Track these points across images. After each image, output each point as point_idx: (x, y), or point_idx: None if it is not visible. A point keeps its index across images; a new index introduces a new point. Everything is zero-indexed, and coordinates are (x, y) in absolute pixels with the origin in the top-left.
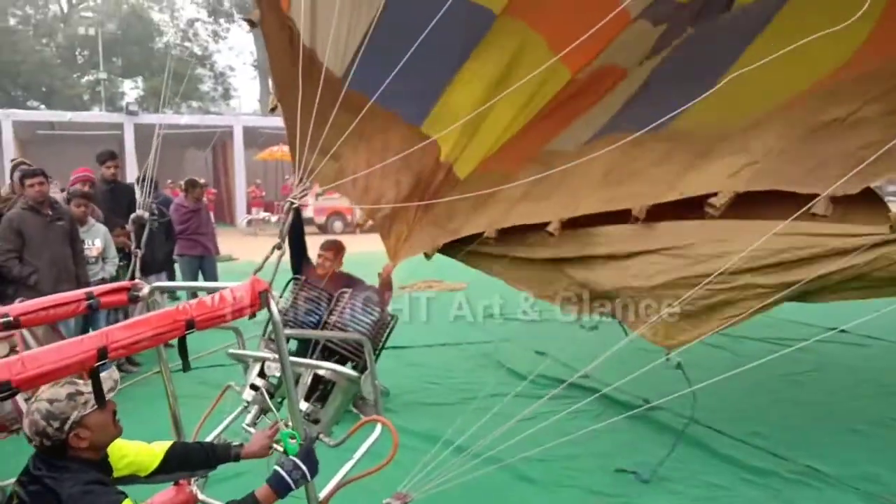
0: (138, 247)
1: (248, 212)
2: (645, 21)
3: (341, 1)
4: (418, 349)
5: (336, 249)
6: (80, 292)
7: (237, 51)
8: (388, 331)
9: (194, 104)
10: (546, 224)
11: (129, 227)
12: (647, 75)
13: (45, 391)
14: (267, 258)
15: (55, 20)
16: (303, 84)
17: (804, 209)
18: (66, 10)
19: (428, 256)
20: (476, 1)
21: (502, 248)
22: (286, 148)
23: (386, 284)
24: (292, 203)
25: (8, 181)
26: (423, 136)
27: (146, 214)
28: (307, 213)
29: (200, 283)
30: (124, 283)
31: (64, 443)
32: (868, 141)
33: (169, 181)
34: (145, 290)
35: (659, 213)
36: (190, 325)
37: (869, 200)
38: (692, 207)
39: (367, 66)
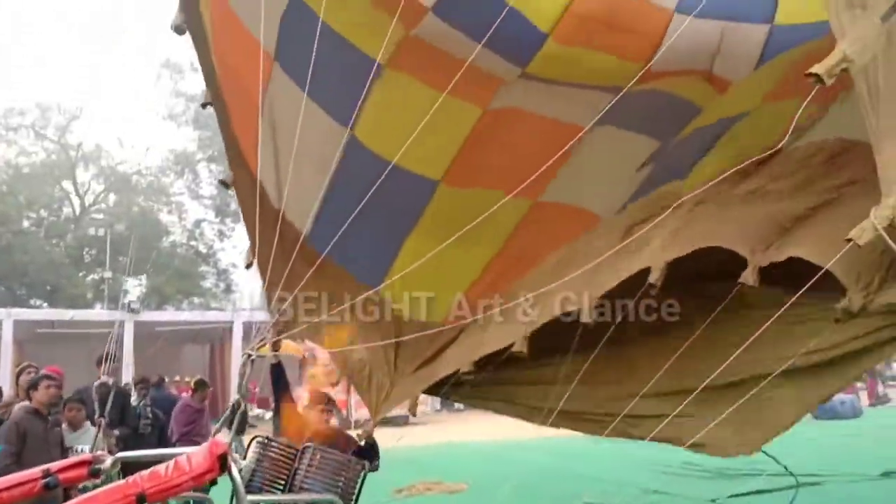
0: (102, 415)
1: None
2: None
3: (301, 164)
4: None
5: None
6: (36, 470)
7: (241, 249)
8: (360, 482)
9: (196, 300)
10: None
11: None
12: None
13: None
14: (225, 417)
15: (67, 222)
16: (274, 243)
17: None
18: (78, 212)
19: (413, 412)
20: (416, 171)
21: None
22: (285, 343)
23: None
24: (250, 356)
25: (10, 386)
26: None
27: (111, 381)
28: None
29: (167, 450)
30: (85, 456)
31: None
32: (780, 208)
33: (176, 377)
34: (107, 462)
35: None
36: (141, 499)
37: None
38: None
39: (328, 228)
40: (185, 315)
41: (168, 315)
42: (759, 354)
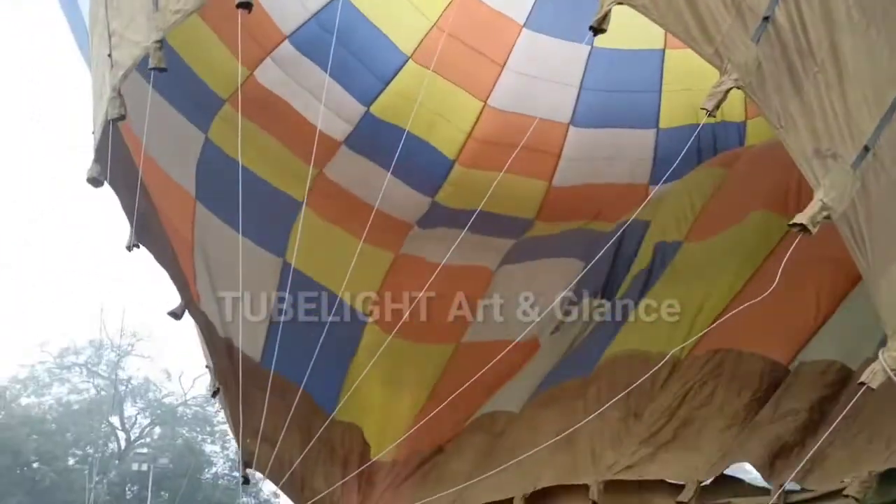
0: None
1: None
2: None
3: (241, 291)
4: None
5: None
6: None
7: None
8: None
9: None
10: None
11: None
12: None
13: None
14: None
15: (112, 457)
16: (229, 372)
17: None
18: (123, 446)
19: None
20: (349, 303)
21: None
22: None
23: None
24: None
25: None
26: (338, 422)
27: None
28: None
29: None
30: None
31: None
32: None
33: None
34: None
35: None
36: None
37: None
38: None
39: (280, 349)
40: None
41: None
42: None
